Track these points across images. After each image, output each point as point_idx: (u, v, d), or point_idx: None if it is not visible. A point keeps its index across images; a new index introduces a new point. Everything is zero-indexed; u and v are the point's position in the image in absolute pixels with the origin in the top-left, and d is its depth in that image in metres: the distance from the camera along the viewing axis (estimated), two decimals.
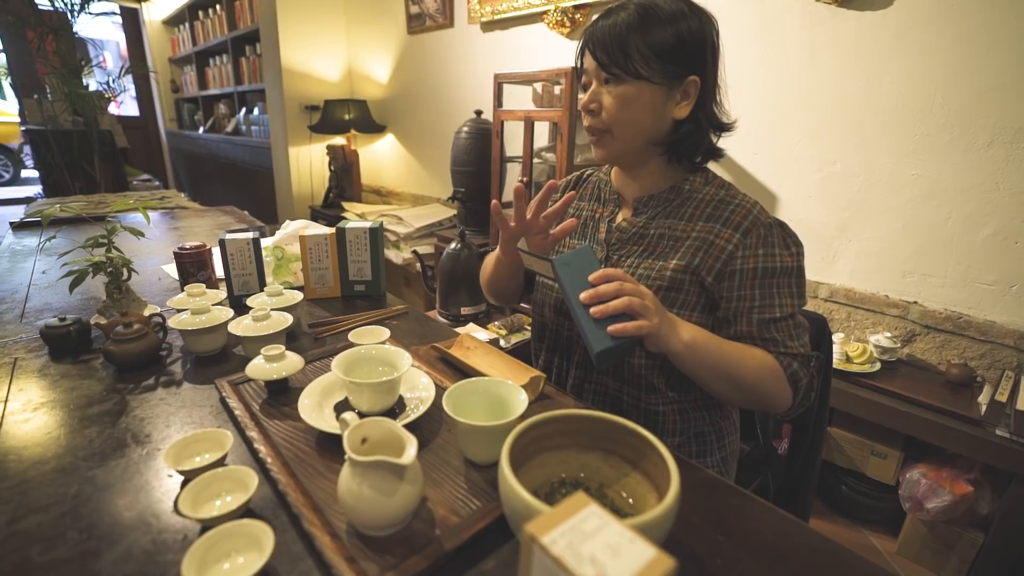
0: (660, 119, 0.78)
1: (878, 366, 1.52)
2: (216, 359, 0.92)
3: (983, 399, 1.37)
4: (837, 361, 1.52)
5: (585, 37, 0.79)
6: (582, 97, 0.82)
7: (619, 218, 0.87)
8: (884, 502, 1.56)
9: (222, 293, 1.06)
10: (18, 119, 4.03)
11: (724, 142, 0.85)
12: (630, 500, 0.55)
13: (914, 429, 1.39)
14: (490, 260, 1.00)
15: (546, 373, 0.96)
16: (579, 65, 0.83)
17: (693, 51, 0.74)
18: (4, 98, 7.64)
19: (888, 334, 1.55)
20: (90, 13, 3.61)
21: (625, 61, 0.74)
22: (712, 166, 0.86)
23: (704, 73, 0.76)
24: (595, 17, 0.79)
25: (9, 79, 4.84)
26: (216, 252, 1.27)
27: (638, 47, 0.73)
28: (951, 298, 1.47)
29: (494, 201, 0.88)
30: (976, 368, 1.46)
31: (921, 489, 1.42)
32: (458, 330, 1.09)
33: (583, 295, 0.67)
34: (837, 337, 1.59)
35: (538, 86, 2.13)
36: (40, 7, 3.51)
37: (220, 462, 0.60)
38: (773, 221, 0.78)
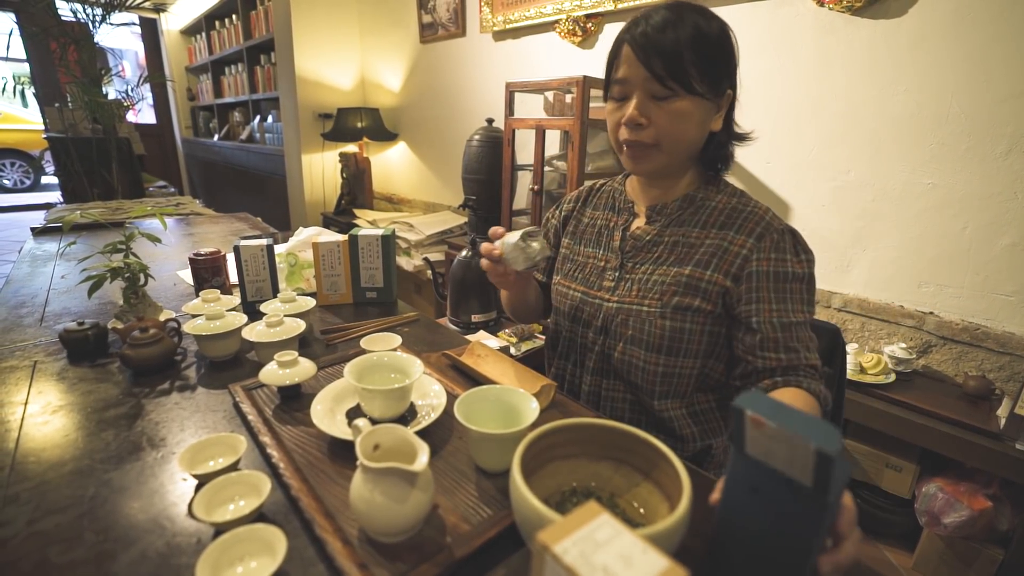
0: (703, 133, 0.79)
1: (893, 377, 1.49)
2: (230, 364, 0.93)
3: (1002, 412, 1.35)
4: (851, 372, 1.50)
5: (631, 43, 0.73)
6: (624, 108, 0.76)
7: (633, 226, 0.88)
8: (900, 516, 1.53)
9: (236, 299, 1.07)
10: (39, 127, 4.12)
11: (737, 151, 0.86)
12: (641, 510, 0.54)
13: (930, 442, 1.36)
14: None
15: (560, 381, 0.96)
16: (612, 71, 0.78)
17: (732, 65, 0.77)
18: (26, 106, 7.83)
19: (903, 345, 1.53)
20: (111, 24, 3.69)
21: (684, 77, 0.71)
22: (726, 175, 0.87)
23: (735, 86, 0.79)
24: (633, 22, 0.74)
25: (32, 88, 4.96)
26: (230, 258, 1.29)
27: (694, 62, 0.71)
28: (968, 309, 1.45)
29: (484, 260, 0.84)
30: (994, 380, 1.44)
31: (938, 503, 1.39)
32: (469, 337, 1.10)
33: None
34: (851, 347, 1.57)
35: (549, 95, 2.14)
36: (63, 18, 3.59)
37: (233, 467, 0.60)
38: (785, 227, 0.78)
